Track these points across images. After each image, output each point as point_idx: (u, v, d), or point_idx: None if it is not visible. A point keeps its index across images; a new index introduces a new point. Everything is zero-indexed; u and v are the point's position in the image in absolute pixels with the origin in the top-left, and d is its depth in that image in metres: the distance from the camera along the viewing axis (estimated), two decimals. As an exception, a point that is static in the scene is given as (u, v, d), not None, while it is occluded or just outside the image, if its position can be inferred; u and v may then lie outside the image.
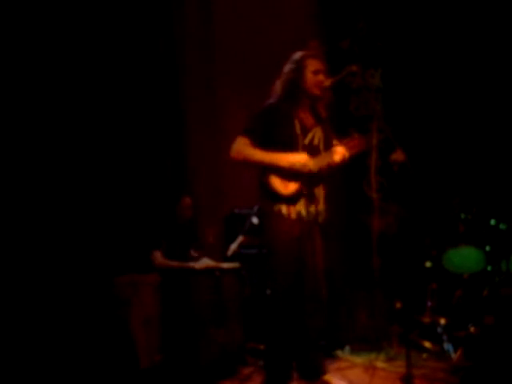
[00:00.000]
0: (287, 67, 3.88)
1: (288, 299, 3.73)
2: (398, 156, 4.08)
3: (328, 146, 3.87)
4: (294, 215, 3.75)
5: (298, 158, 3.74)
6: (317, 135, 3.87)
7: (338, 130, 4.07)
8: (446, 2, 6.36)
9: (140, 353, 4.33)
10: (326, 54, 3.98)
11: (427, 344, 5.04)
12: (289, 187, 3.75)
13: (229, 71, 5.76)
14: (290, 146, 3.77)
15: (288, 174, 3.74)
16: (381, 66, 6.31)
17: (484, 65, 6.26)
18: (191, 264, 4.50)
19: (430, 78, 6.46)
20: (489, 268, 5.29)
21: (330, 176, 3.93)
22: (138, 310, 4.32)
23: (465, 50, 6.27)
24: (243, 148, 3.77)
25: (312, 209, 3.80)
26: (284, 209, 3.74)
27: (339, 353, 5.02)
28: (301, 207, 3.77)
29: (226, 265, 4.48)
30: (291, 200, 3.76)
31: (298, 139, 3.81)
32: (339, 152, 3.81)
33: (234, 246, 4.55)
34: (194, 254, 4.75)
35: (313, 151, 3.82)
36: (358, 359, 4.88)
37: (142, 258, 4.61)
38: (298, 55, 3.88)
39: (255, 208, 4.68)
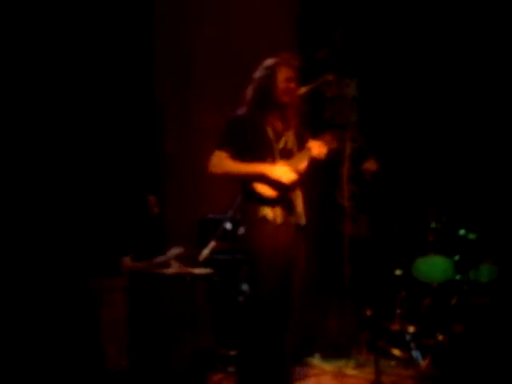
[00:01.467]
0: (258, 73, 3.87)
1: (273, 307, 3.70)
2: (370, 165, 4.13)
3: (301, 149, 3.87)
4: (279, 219, 3.74)
5: (278, 170, 3.73)
6: (290, 140, 3.87)
7: (312, 137, 4.08)
8: (422, 13, 6.44)
9: (108, 357, 4.31)
10: (302, 63, 3.99)
11: (396, 351, 5.09)
12: (273, 190, 3.74)
13: (204, 80, 5.77)
14: (266, 153, 3.77)
15: (272, 181, 3.74)
16: (356, 76, 6.37)
17: (458, 76, 6.35)
18: (162, 269, 4.48)
19: (405, 88, 6.54)
20: (457, 277, 5.37)
21: (305, 178, 3.93)
22: (107, 314, 4.30)
23: (439, 61, 6.35)
24: (223, 162, 3.75)
25: (295, 211, 3.81)
26: (270, 214, 3.72)
27: (309, 360, 5.04)
28: (285, 210, 3.76)
29: (197, 270, 4.47)
30: (277, 202, 3.74)
31: (273, 144, 3.81)
32: (315, 146, 3.79)
33: (205, 252, 4.53)
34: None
35: (288, 155, 3.83)
36: (328, 366, 4.92)
37: (110, 262, 4.57)
38: (269, 62, 3.86)
39: (229, 213, 4.68)
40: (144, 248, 4.66)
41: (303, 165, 3.81)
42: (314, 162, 3.85)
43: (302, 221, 3.83)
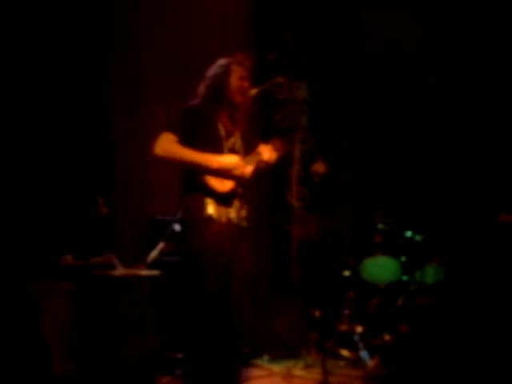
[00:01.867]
0: (212, 71, 3.84)
1: (214, 308, 3.65)
2: (318, 167, 4.16)
3: (248, 153, 3.83)
4: (224, 218, 3.69)
5: (230, 160, 3.68)
6: (237, 142, 3.84)
7: (262, 139, 4.08)
8: (373, 16, 6.53)
9: (53, 360, 4.23)
10: (254, 64, 4.00)
11: (344, 352, 5.13)
12: (225, 184, 3.68)
13: (155, 77, 5.72)
14: (215, 149, 3.71)
15: (222, 174, 3.67)
16: (307, 78, 6.41)
17: (406, 79, 6.46)
18: (108, 271, 4.41)
19: (355, 91, 6.62)
20: (404, 278, 5.45)
21: (250, 183, 3.92)
22: (52, 316, 4.22)
23: (389, 64, 6.45)
24: (170, 145, 3.59)
25: (241, 213, 3.79)
26: (214, 212, 3.66)
27: (258, 361, 5.05)
28: (232, 210, 3.72)
29: (144, 272, 4.43)
30: (226, 199, 3.69)
31: (223, 142, 3.77)
32: (265, 151, 3.78)
33: (154, 253, 4.49)
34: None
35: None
36: (277, 367, 4.93)
37: (54, 264, 4.49)
38: (224, 60, 3.85)
39: (178, 214, 4.65)
40: (87, 249, 4.58)
41: (250, 169, 3.78)
42: (264, 166, 3.84)
43: (244, 223, 3.80)
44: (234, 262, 3.74)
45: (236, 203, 3.75)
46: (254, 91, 3.84)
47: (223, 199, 3.68)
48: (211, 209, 3.65)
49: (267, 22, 6.34)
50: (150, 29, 5.66)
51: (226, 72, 3.80)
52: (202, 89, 3.84)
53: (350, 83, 6.63)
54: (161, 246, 4.55)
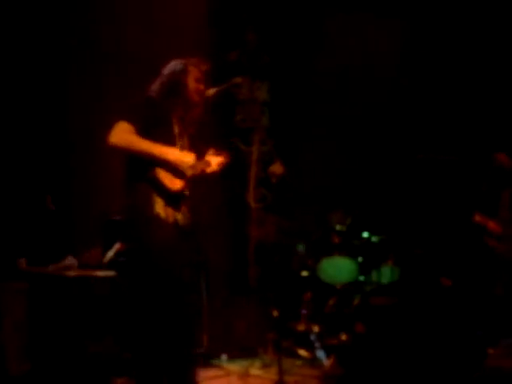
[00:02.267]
0: (169, 70, 3.79)
1: (162, 309, 3.61)
2: (276, 168, 4.18)
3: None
4: (171, 219, 3.63)
5: (186, 158, 3.63)
6: (185, 144, 3.81)
7: (221, 140, 4.08)
8: (336, 17, 6.60)
9: (9, 360, 4.19)
10: (214, 64, 4.00)
11: (301, 351, 5.18)
12: (175, 183, 3.63)
13: (114, 77, 5.69)
14: (169, 146, 3.64)
15: (173, 170, 3.61)
16: (268, 79, 6.45)
17: (367, 81, 6.54)
18: (64, 271, 4.38)
19: (315, 92, 6.67)
20: (361, 278, 5.52)
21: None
22: (7, 317, 4.18)
23: (351, 65, 6.52)
24: (127, 134, 3.48)
25: (186, 214, 3.75)
26: (162, 211, 3.59)
27: (216, 361, 5.06)
28: (179, 213, 3.68)
29: (100, 273, 4.40)
30: (174, 199, 3.64)
31: (176, 141, 3.72)
32: (214, 163, 3.79)
33: (110, 254, 4.48)
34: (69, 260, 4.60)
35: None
36: (234, 367, 4.94)
37: (8, 264, 4.44)
38: (181, 61, 3.81)
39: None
40: (40, 250, 4.53)
41: (194, 172, 3.74)
42: (207, 174, 3.83)
43: (188, 225, 3.74)
44: (183, 262, 3.75)
45: (183, 206, 3.72)
46: (211, 91, 3.83)
47: (171, 199, 3.62)
48: (159, 207, 3.58)
49: (228, 21, 6.36)
50: (110, 28, 5.63)
51: (183, 70, 3.77)
52: (157, 85, 3.77)
53: (310, 85, 6.69)
54: (117, 246, 4.53)
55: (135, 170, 3.60)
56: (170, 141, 3.69)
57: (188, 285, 3.74)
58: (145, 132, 3.53)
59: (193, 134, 3.87)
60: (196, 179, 3.77)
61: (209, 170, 3.79)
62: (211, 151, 3.86)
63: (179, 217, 3.68)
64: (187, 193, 3.74)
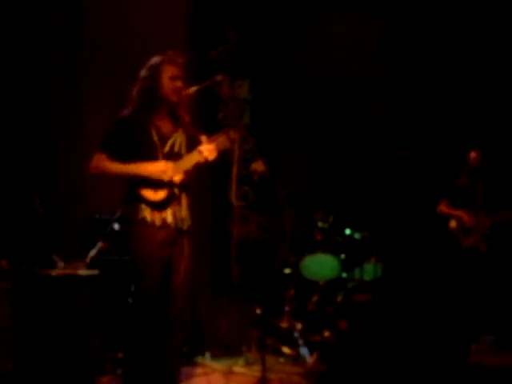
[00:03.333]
0: (143, 73, 3.79)
1: (152, 308, 3.70)
2: (257, 166, 4.19)
3: (192, 150, 3.82)
4: (158, 222, 3.71)
5: (157, 167, 3.71)
6: (177, 141, 3.83)
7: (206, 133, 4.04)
8: (315, 15, 6.62)
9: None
10: (194, 63, 3.99)
11: (285, 349, 5.19)
12: (158, 193, 3.72)
13: (95, 78, 5.65)
14: (150, 156, 3.73)
15: (155, 182, 3.71)
16: (249, 77, 6.45)
17: (347, 79, 6.58)
18: (47, 270, 4.35)
19: (297, 90, 6.69)
20: (344, 275, 5.54)
21: (193, 181, 3.93)
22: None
23: (332, 63, 6.55)
24: (101, 163, 3.73)
25: (179, 215, 3.79)
26: (148, 216, 3.70)
27: (199, 359, 5.05)
28: (167, 214, 3.74)
29: (83, 272, 4.38)
30: (159, 206, 3.72)
31: (157, 148, 3.76)
32: (205, 150, 3.77)
33: (93, 253, 4.46)
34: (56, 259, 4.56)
35: (175, 158, 3.78)
36: (218, 365, 4.93)
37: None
38: (153, 61, 3.79)
39: (117, 213, 4.62)
40: (23, 250, 4.50)
41: (188, 166, 3.79)
42: (205, 164, 3.84)
43: (185, 225, 3.83)
44: (173, 264, 3.79)
45: (173, 207, 3.77)
46: (192, 89, 3.82)
47: (157, 205, 3.73)
48: (145, 213, 3.72)
49: (208, 20, 6.34)
50: (89, 27, 5.59)
51: (155, 73, 3.75)
52: (134, 93, 3.81)
53: (292, 82, 6.71)
54: (100, 245, 4.51)
55: (125, 186, 3.79)
56: (150, 152, 3.75)
57: (179, 285, 3.82)
58: (122, 153, 3.73)
59: (188, 128, 3.87)
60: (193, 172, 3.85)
61: (204, 156, 3.78)
62: (203, 138, 3.85)
63: (170, 219, 3.76)
64: (177, 193, 3.79)
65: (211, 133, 3.92)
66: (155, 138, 3.77)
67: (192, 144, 3.86)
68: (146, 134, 3.76)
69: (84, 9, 5.56)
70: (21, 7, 5.23)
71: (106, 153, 3.73)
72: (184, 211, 3.83)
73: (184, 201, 3.84)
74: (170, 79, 3.76)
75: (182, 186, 3.81)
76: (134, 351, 3.74)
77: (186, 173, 3.80)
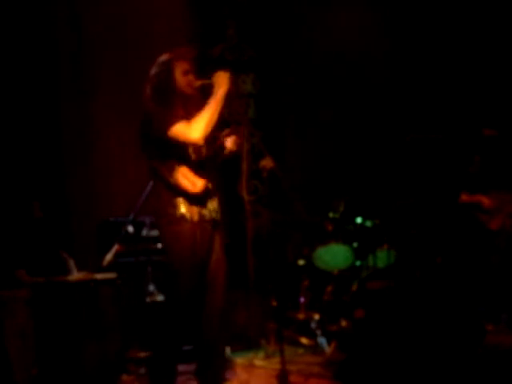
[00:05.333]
0: (155, 70, 3.82)
1: (190, 305, 3.74)
2: (266, 163, 4.23)
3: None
4: (196, 217, 3.72)
5: (224, 76, 3.76)
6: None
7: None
8: (319, 9, 6.62)
9: (15, 368, 4.22)
10: (197, 55, 4.00)
11: (303, 339, 5.25)
12: (196, 185, 3.72)
13: (99, 74, 5.68)
14: (182, 149, 3.74)
15: (195, 167, 3.73)
16: (252, 72, 6.46)
17: (351, 69, 6.58)
18: (64, 277, 4.41)
19: (301, 82, 6.70)
20: (357, 263, 5.57)
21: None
22: (11, 326, 4.21)
23: (334, 54, 6.55)
24: (193, 125, 3.65)
25: (212, 206, 3.83)
26: (187, 211, 3.69)
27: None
28: (204, 207, 3.77)
29: (100, 275, 4.44)
30: (199, 200, 3.73)
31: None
32: (230, 140, 3.89)
33: (109, 256, 4.50)
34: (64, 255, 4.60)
35: (198, 150, 3.82)
36: (238, 359, 4.99)
37: (8, 274, 4.45)
38: (164, 57, 3.83)
39: (131, 216, 4.67)
40: (37, 259, 4.55)
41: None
42: (227, 156, 3.96)
43: (217, 216, 3.87)
44: (209, 260, 3.83)
45: (203, 200, 3.79)
46: (197, 83, 3.83)
47: (195, 198, 3.73)
48: (183, 208, 3.70)
49: (209, 16, 6.36)
50: (91, 29, 5.62)
51: (169, 69, 3.78)
52: (148, 90, 3.81)
53: (295, 75, 6.72)
54: (115, 248, 4.56)
55: (157, 177, 3.74)
56: (180, 150, 3.74)
57: (214, 278, 3.88)
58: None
59: None
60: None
61: (229, 147, 3.89)
62: (225, 132, 3.92)
63: (205, 212, 3.77)
64: (210, 185, 3.81)
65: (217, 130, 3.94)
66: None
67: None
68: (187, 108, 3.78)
69: (85, 14, 5.58)
70: (24, 17, 5.27)
71: (182, 122, 3.67)
72: (215, 202, 3.87)
73: (214, 191, 3.88)
74: (182, 74, 3.79)
75: (214, 174, 3.87)
76: (163, 349, 3.77)
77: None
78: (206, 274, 3.84)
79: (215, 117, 3.70)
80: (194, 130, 3.64)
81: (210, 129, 3.69)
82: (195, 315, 3.80)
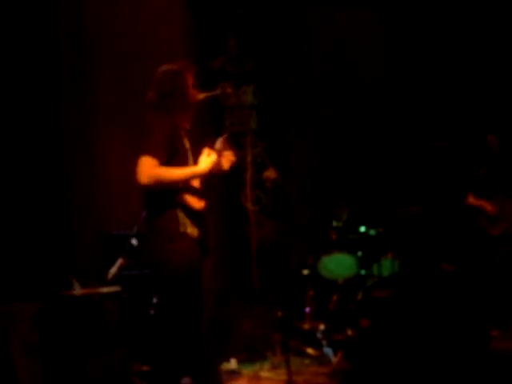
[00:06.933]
0: (163, 77, 3.74)
1: (197, 322, 3.69)
2: (269, 173, 4.25)
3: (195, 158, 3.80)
4: (196, 234, 3.68)
5: (209, 161, 3.69)
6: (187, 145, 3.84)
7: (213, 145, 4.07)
8: (318, 17, 6.64)
9: (22, 381, 4.22)
10: (199, 72, 4.01)
11: (309, 350, 5.23)
12: (200, 202, 3.71)
13: (100, 87, 5.70)
14: (183, 162, 3.69)
15: (196, 191, 3.71)
16: (253, 83, 6.47)
17: (352, 77, 6.60)
18: (69, 291, 4.42)
19: (301, 90, 6.72)
20: (362, 272, 5.56)
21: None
22: (18, 339, 4.21)
23: (334, 62, 6.57)
24: (153, 171, 3.48)
25: (206, 229, 3.78)
26: (189, 228, 3.65)
27: (225, 365, 5.09)
28: (200, 228, 3.72)
29: (105, 289, 4.44)
30: (198, 216, 3.70)
31: (188, 153, 3.77)
32: (225, 158, 3.82)
33: (113, 270, 4.51)
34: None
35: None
36: (244, 370, 4.99)
37: (19, 286, 4.45)
38: (176, 67, 3.76)
39: (135, 229, 4.67)
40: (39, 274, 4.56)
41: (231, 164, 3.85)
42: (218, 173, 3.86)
43: (207, 240, 3.81)
44: (203, 277, 3.80)
45: (203, 223, 3.76)
46: (200, 96, 3.82)
47: (196, 218, 3.70)
48: (187, 226, 3.65)
49: (208, 29, 6.38)
50: (91, 43, 5.64)
51: (181, 80, 3.73)
52: (153, 97, 3.73)
53: (295, 84, 6.73)
54: (120, 261, 4.56)
55: (161, 195, 3.62)
56: (184, 157, 3.71)
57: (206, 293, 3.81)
58: (167, 156, 3.56)
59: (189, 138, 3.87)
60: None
61: (223, 167, 3.82)
62: (206, 151, 3.79)
63: (200, 233, 3.72)
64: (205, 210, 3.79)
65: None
66: (186, 144, 3.76)
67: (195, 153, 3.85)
68: (181, 140, 3.73)
69: (86, 14, 5.59)
70: (24, 17, 5.28)
71: (156, 158, 3.48)
72: (207, 228, 3.83)
73: (206, 219, 3.83)
74: (191, 86, 3.77)
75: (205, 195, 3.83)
76: (165, 364, 3.70)
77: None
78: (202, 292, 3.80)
79: (176, 183, 3.60)
80: (149, 175, 3.46)
81: (159, 185, 3.53)
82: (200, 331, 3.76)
